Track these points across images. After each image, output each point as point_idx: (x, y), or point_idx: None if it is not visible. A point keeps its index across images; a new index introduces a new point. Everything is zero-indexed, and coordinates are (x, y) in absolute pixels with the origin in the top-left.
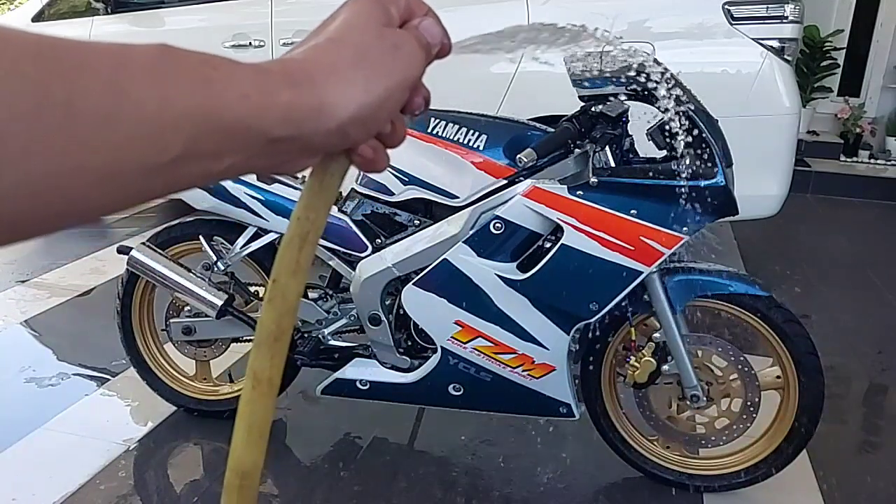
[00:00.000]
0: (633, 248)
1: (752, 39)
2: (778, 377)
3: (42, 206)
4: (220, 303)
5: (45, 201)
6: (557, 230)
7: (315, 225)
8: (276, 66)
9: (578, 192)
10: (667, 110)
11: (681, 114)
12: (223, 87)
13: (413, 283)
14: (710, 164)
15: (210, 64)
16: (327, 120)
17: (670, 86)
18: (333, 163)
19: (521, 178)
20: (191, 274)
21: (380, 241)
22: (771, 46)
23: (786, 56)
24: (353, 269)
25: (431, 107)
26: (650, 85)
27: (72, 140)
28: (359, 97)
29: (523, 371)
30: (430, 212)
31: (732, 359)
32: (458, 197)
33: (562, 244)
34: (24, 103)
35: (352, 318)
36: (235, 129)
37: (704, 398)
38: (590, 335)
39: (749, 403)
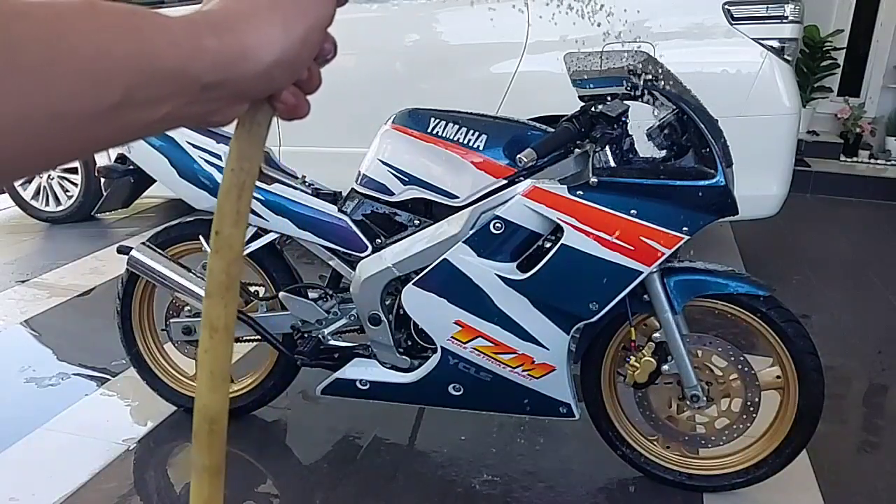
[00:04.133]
0: (633, 248)
1: (752, 39)
2: (778, 377)
3: None
4: None
5: (1, 148)
6: (557, 230)
7: (250, 174)
8: (198, 16)
9: (578, 192)
10: (667, 110)
11: (681, 114)
12: (153, 34)
13: (413, 283)
14: (710, 164)
15: (138, 14)
16: (254, 63)
17: (670, 86)
18: (259, 113)
19: (521, 178)
20: (191, 274)
21: (380, 241)
22: (771, 46)
23: (786, 56)
24: (353, 269)
25: (431, 107)
26: (650, 85)
27: (18, 87)
28: (280, 39)
29: (523, 371)
30: (430, 212)
31: (732, 359)
32: (458, 197)
33: (562, 244)
34: None
35: (352, 318)
36: (169, 75)
37: (704, 398)
38: (590, 335)
39: (749, 403)
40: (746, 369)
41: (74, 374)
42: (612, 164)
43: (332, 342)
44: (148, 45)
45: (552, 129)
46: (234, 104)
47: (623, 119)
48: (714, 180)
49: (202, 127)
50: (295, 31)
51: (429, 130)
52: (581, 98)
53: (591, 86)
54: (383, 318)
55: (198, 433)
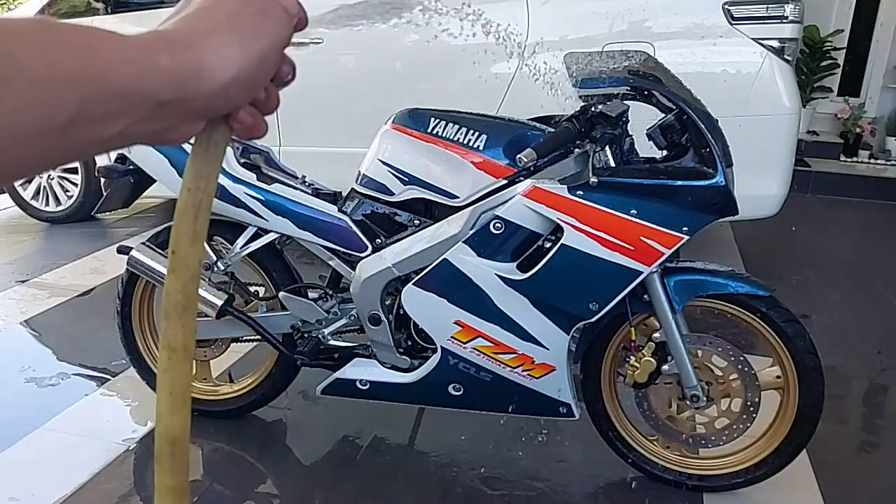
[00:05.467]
0: (633, 248)
1: (752, 39)
2: (778, 377)
3: None
4: (220, 303)
5: None
6: (557, 230)
7: (206, 193)
8: (153, 35)
9: (578, 192)
10: (666, 110)
11: (681, 114)
12: (105, 51)
13: (413, 283)
14: (710, 165)
15: (90, 32)
16: (209, 81)
17: (670, 86)
18: (215, 132)
19: (521, 178)
20: None
21: (380, 241)
22: (771, 46)
23: (786, 56)
24: (353, 269)
25: (431, 107)
26: (650, 85)
27: None
28: (237, 58)
29: (523, 371)
30: (430, 212)
31: (732, 359)
32: (458, 197)
33: (562, 244)
34: None
35: (352, 318)
36: (122, 91)
37: (704, 398)
38: (590, 335)
39: (749, 403)
40: (746, 369)
41: (74, 374)
42: (612, 164)
43: (332, 342)
44: (100, 62)
45: (552, 129)
46: (190, 122)
47: (623, 119)
48: (714, 180)
49: (158, 145)
50: (251, 50)
51: (429, 130)
52: (581, 98)
53: (591, 86)
54: (383, 318)
55: (160, 456)
